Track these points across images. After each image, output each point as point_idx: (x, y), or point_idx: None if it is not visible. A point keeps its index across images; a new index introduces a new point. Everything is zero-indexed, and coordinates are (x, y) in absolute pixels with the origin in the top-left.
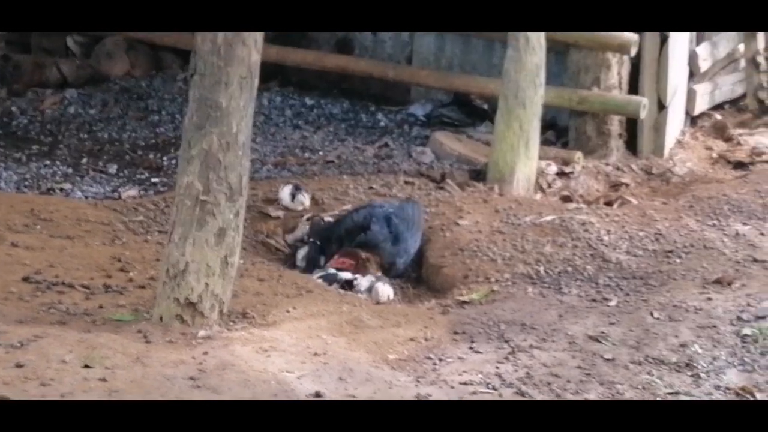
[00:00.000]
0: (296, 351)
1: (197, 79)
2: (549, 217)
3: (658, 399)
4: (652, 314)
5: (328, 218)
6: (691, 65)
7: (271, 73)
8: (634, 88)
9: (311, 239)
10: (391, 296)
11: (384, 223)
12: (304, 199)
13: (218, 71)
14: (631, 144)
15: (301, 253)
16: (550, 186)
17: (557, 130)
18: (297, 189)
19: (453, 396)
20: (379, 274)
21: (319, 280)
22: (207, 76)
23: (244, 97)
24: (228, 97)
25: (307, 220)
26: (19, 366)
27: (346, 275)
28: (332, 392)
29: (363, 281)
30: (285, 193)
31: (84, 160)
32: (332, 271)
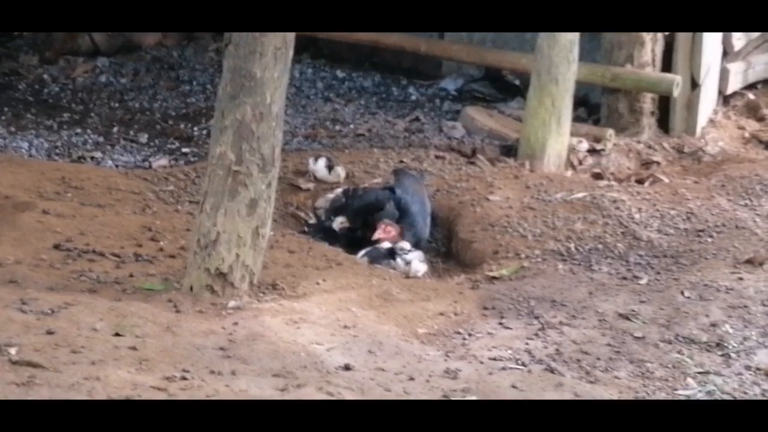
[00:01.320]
0: (326, 323)
1: (232, 49)
2: (580, 194)
3: (688, 376)
4: (682, 293)
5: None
6: (725, 44)
7: (303, 45)
8: (667, 65)
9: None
10: (423, 272)
11: (393, 203)
12: (341, 171)
13: (253, 41)
14: (663, 122)
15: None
16: (581, 163)
17: (589, 107)
18: (330, 161)
19: (482, 371)
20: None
21: (364, 259)
22: (242, 45)
23: (278, 67)
24: (262, 67)
25: (344, 192)
26: (50, 333)
27: (386, 245)
28: (361, 365)
29: (412, 254)
30: (320, 165)
31: (115, 129)
32: (370, 247)
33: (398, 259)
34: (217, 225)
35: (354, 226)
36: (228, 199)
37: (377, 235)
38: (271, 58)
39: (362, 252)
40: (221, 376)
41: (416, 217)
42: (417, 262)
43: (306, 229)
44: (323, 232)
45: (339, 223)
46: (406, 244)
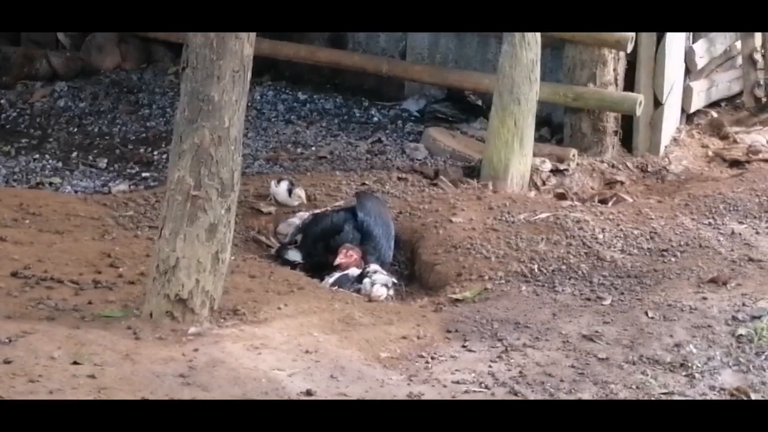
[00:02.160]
0: (287, 348)
1: (189, 73)
2: (543, 215)
3: (652, 399)
4: (646, 313)
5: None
6: (688, 62)
7: (263, 67)
8: (630, 85)
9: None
10: (385, 296)
11: (352, 226)
12: (301, 194)
13: (210, 64)
14: (627, 141)
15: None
16: (544, 183)
17: (552, 126)
18: (291, 184)
19: (445, 395)
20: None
21: (334, 287)
22: (199, 69)
23: (236, 90)
24: (220, 90)
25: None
26: (7, 362)
27: (355, 271)
28: (323, 390)
29: (379, 276)
30: (282, 188)
31: (74, 154)
32: (339, 274)
33: (365, 281)
34: (177, 250)
35: (314, 252)
36: (187, 224)
37: (339, 260)
38: (228, 81)
39: (331, 279)
40: None
41: (380, 240)
42: (378, 286)
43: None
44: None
45: (292, 255)
46: (376, 266)
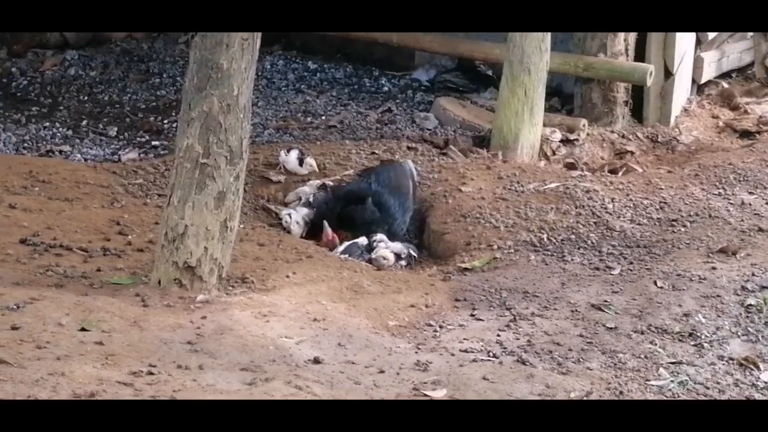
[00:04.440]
0: (295, 316)
1: (198, 41)
2: (553, 185)
3: (659, 365)
4: (655, 283)
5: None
6: (699, 33)
7: (274, 37)
8: (640, 55)
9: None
10: (392, 260)
11: (370, 201)
12: (312, 162)
13: (219, 33)
14: (637, 112)
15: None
16: (554, 153)
17: (562, 97)
18: (302, 153)
19: (453, 363)
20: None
21: (343, 256)
22: (208, 37)
23: (245, 58)
24: (229, 58)
25: (319, 188)
26: (14, 328)
27: (364, 241)
28: (331, 358)
29: (385, 249)
30: (292, 157)
31: (84, 123)
32: (348, 242)
33: (387, 249)
34: (185, 218)
35: (333, 213)
36: (196, 192)
37: (324, 238)
38: (237, 49)
39: (341, 248)
40: (188, 371)
41: (394, 213)
42: (385, 249)
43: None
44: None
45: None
46: (381, 236)
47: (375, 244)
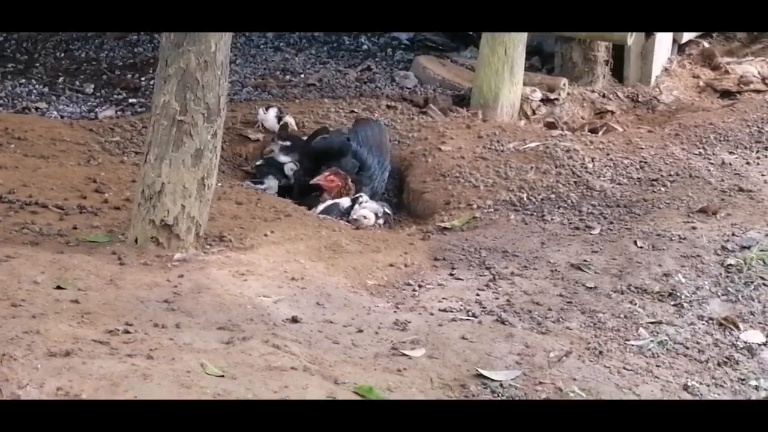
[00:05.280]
0: (273, 275)
1: None
2: (533, 144)
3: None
4: (635, 243)
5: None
6: None
7: None
8: None
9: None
10: (372, 221)
11: (351, 155)
12: (290, 121)
13: None
14: (618, 71)
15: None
16: (534, 112)
17: (543, 56)
18: (280, 111)
19: (432, 323)
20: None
21: (322, 216)
22: None
23: None
24: None
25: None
26: None
27: (346, 202)
28: (309, 317)
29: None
30: (270, 115)
31: (60, 79)
32: (329, 202)
33: (355, 208)
34: (162, 176)
35: (307, 169)
36: (173, 150)
37: (317, 179)
38: None
39: (321, 207)
40: (165, 330)
41: (375, 171)
42: (364, 209)
43: (251, 169)
44: (274, 168)
45: (289, 168)
46: (366, 197)
47: (360, 202)
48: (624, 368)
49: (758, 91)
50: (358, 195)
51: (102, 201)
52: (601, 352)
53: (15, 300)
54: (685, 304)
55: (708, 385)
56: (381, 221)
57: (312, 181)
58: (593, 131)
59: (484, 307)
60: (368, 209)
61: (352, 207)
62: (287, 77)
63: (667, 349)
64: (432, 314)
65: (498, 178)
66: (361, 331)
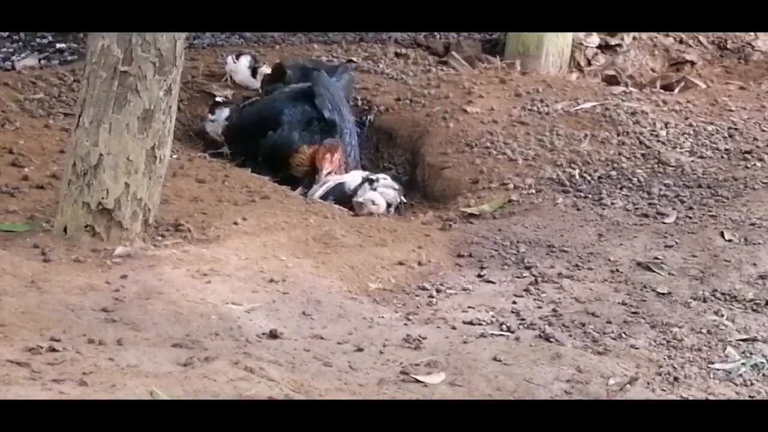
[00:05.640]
0: (246, 276)
1: None
2: (588, 104)
3: (727, 345)
4: (722, 235)
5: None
6: None
7: None
8: None
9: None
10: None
11: (297, 118)
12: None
13: None
14: None
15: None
16: (589, 63)
17: None
18: (255, 61)
19: (454, 339)
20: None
21: (321, 201)
22: None
23: None
24: None
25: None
26: None
27: (355, 180)
28: (293, 332)
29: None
30: (242, 65)
31: None
32: (333, 182)
33: (370, 192)
34: (100, 145)
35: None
36: (114, 111)
37: (326, 166)
38: None
39: (320, 191)
40: (103, 347)
41: (351, 140)
42: (374, 191)
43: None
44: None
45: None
46: (384, 177)
47: (374, 183)
48: (707, 399)
49: None
50: (372, 174)
51: (20, 178)
52: (676, 379)
53: None
54: None
55: None
56: (392, 210)
57: (325, 170)
58: (667, 88)
59: (522, 319)
60: (381, 194)
61: (360, 187)
62: None
63: (763, 374)
64: (454, 328)
65: (541, 149)
66: (360, 349)
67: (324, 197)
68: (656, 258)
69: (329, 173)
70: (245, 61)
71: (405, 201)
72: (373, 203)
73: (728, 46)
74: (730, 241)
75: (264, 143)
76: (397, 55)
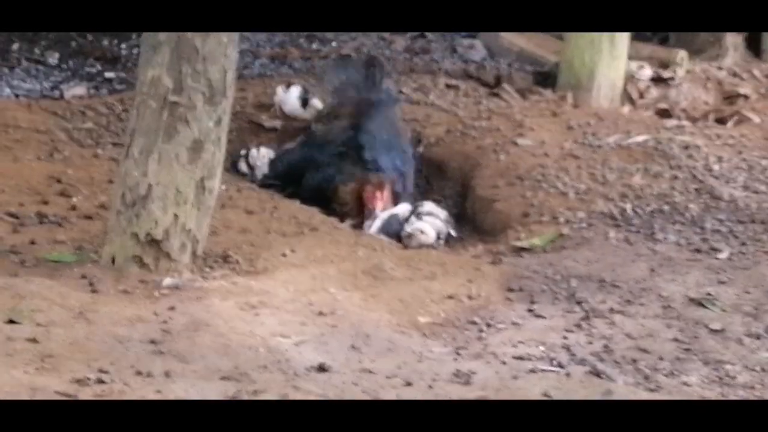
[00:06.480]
0: (294, 309)
1: None
2: (640, 138)
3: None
4: None
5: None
6: None
7: None
8: None
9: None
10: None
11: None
12: (319, 105)
13: None
14: (754, 42)
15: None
16: (642, 96)
17: None
18: (306, 92)
19: (505, 374)
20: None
21: (378, 234)
22: None
23: None
24: None
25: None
26: None
27: (406, 209)
28: (341, 365)
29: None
30: (292, 96)
31: (15, 47)
32: (387, 214)
33: (413, 222)
34: (149, 175)
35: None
36: (163, 141)
37: (378, 206)
38: None
39: (377, 224)
40: (151, 379)
41: (405, 168)
42: (422, 221)
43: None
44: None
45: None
46: (431, 205)
47: (421, 214)
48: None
49: None
50: (419, 204)
51: (68, 208)
52: None
53: None
54: None
55: None
56: (441, 241)
57: (377, 210)
58: (720, 121)
59: (573, 355)
60: (429, 223)
61: (408, 219)
62: (314, 46)
63: None
64: (504, 363)
65: (593, 182)
66: (410, 384)
67: (378, 231)
68: (709, 294)
69: (383, 209)
70: (296, 91)
71: (454, 234)
72: (422, 233)
73: None
74: None
75: (305, 184)
76: (447, 86)
